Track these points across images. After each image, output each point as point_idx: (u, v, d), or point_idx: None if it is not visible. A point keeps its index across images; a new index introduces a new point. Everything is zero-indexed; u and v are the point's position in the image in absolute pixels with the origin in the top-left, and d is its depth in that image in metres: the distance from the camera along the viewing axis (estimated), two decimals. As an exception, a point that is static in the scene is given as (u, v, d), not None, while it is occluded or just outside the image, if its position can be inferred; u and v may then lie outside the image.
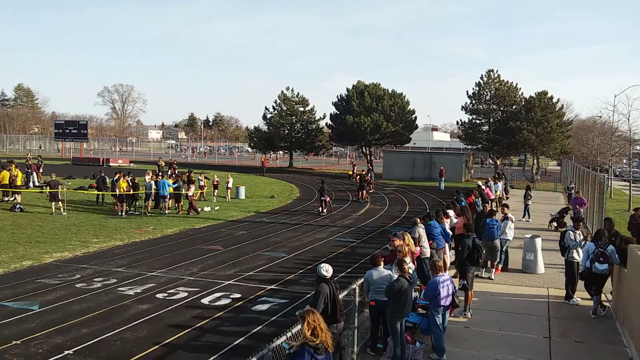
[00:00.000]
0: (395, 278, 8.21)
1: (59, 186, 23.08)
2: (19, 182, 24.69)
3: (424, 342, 8.63)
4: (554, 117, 47.62)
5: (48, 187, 22.60)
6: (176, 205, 24.50)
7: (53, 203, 22.46)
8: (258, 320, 10.17)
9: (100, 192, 25.92)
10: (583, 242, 11.41)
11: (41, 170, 34.66)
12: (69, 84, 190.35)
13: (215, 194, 28.59)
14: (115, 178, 23.80)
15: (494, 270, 13.50)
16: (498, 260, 13.73)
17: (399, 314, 7.97)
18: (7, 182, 24.44)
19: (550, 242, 16.50)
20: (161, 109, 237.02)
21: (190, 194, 24.31)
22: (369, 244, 18.10)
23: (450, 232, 14.13)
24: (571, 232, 11.52)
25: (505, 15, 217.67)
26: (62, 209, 22.36)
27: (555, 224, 21.27)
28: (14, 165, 26.21)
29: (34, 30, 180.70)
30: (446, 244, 13.11)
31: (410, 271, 8.85)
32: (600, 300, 10.73)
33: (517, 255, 14.72)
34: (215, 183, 28.72)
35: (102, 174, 26.68)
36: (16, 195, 24.04)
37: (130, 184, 23.57)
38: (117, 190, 23.11)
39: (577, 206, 20.88)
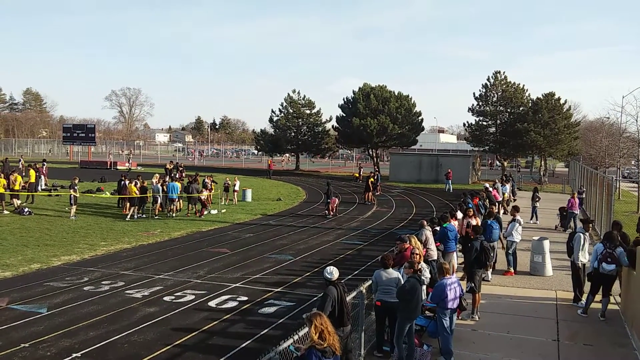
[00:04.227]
0: (405, 280, 8.21)
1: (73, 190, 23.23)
2: (17, 187, 24.74)
3: (431, 345, 8.61)
4: (562, 118, 47.35)
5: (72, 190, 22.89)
6: (187, 207, 24.66)
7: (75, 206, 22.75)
8: (265, 323, 10.18)
9: (119, 196, 26.35)
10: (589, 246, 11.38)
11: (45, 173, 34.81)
12: (77, 88, 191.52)
13: (227, 197, 28.90)
14: (126, 182, 24.14)
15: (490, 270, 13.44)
16: (495, 260, 13.66)
17: (410, 315, 7.94)
18: (18, 188, 24.58)
19: (558, 244, 16.37)
20: (168, 113, 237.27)
21: (203, 197, 24.44)
22: (375, 246, 18.07)
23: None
24: (581, 235, 11.47)
25: (511, 17, 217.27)
26: (71, 213, 22.53)
27: (559, 223, 21.29)
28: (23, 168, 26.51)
29: (42, 35, 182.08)
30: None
31: (423, 271, 8.86)
32: (608, 302, 10.66)
33: (525, 257, 14.64)
34: (226, 185, 29.16)
35: (124, 178, 27.01)
36: (15, 199, 24.17)
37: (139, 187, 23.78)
38: (129, 194, 23.45)
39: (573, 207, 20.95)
